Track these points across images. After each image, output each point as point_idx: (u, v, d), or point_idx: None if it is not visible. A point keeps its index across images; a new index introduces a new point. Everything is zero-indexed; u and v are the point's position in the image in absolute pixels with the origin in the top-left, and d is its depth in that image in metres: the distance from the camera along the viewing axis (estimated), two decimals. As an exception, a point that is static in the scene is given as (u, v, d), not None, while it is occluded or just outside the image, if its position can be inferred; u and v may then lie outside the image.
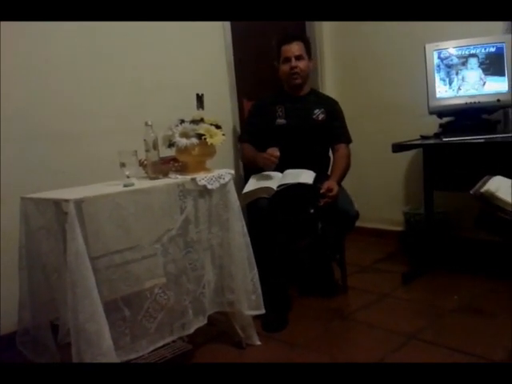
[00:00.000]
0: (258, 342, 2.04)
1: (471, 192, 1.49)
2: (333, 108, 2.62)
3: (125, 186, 1.68)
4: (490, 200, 1.44)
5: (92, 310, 1.47)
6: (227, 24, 2.90)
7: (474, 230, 2.83)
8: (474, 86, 2.57)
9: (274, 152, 2.26)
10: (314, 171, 2.41)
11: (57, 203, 1.62)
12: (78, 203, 1.50)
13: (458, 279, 2.59)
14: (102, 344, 1.49)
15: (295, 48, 2.51)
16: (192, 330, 1.85)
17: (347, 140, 2.60)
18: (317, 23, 3.46)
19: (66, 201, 1.49)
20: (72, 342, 1.48)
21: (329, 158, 2.63)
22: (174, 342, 1.90)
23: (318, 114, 2.56)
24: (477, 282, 2.50)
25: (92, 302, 1.47)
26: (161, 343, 1.77)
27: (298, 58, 2.51)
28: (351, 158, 2.57)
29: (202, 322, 1.89)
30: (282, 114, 2.53)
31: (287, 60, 2.51)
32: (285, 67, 2.53)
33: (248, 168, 2.71)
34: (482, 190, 1.46)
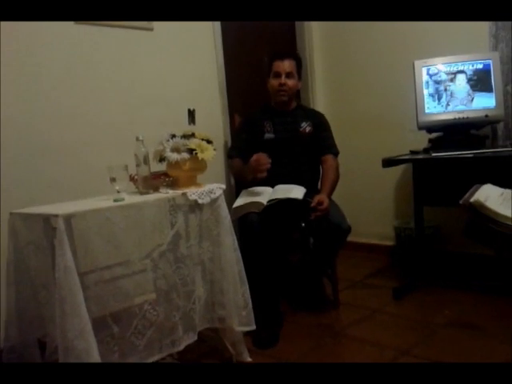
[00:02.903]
0: (249, 359, 2.02)
1: (460, 202, 1.49)
2: (319, 120, 2.65)
3: (115, 200, 1.67)
4: (480, 210, 1.44)
5: (80, 327, 1.45)
6: (219, 38, 2.93)
7: (465, 244, 2.85)
8: (462, 101, 2.61)
9: (262, 159, 2.21)
10: (304, 184, 2.42)
11: (46, 218, 1.60)
12: (67, 218, 1.49)
13: (449, 294, 2.59)
14: (90, 361, 1.46)
15: (287, 65, 2.53)
16: (182, 347, 1.83)
17: (335, 151, 2.62)
18: (307, 37, 3.49)
19: (55, 216, 1.48)
20: (60, 359, 1.45)
21: (318, 170, 2.64)
22: (163, 359, 1.88)
23: (305, 126, 2.59)
24: (467, 297, 2.51)
25: (80, 319, 1.45)
26: (150, 360, 1.74)
27: (288, 75, 2.54)
28: (340, 170, 2.58)
29: (192, 338, 1.87)
30: (271, 129, 2.56)
31: (277, 75, 2.54)
32: (274, 82, 2.56)
33: (239, 182, 2.71)
34: (472, 200, 1.45)
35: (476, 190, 1.53)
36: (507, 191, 1.51)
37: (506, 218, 1.39)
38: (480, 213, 1.44)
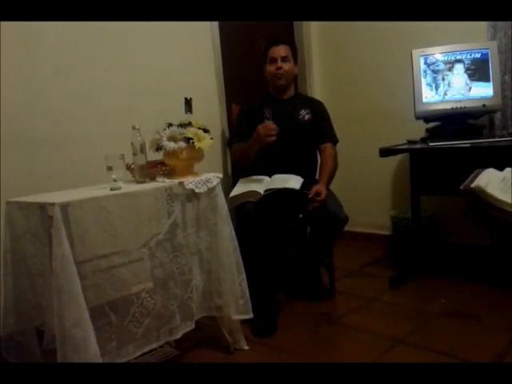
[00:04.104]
0: (246, 347, 2.03)
1: (461, 187, 1.49)
2: (318, 108, 2.65)
3: (111, 189, 1.67)
4: (480, 195, 1.43)
5: (78, 316, 1.45)
6: (216, 28, 2.91)
7: (461, 234, 2.86)
8: (459, 91, 2.60)
9: (270, 125, 2.24)
10: (302, 172, 2.42)
11: (42, 207, 1.60)
12: (64, 207, 1.49)
13: (445, 283, 2.60)
14: (88, 350, 1.47)
15: (282, 50, 2.55)
16: (179, 335, 1.84)
17: (334, 140, 2.61)
18: (305, 28, 3.47)
19: (52, 204, 1.47)
20: (58, 347, 1.46)
21: (316, 158, 2.64)
22: (161, 347, 1.89)
23: (304, 114, 2.59)
24: (463, 286, 2.52)
25: (78, 308, 1.46)
26: (147, 348, 1.75)
27: (284, 59, 2.54)
28: (338, 159, 2.58)
29: (189, 326, 1.88)
30: (270, 116, 2.54)
31: (273, 60, 2.55)
32: (270, 67, 2.56)
33: (237, 171, 2.71)
34: (473, 186, 1.45)
35: (477, 174, 1.52)
36: (508, 176, 1.50)
37: (506, 203, 1.39)
38: (480, 198, 1.43)
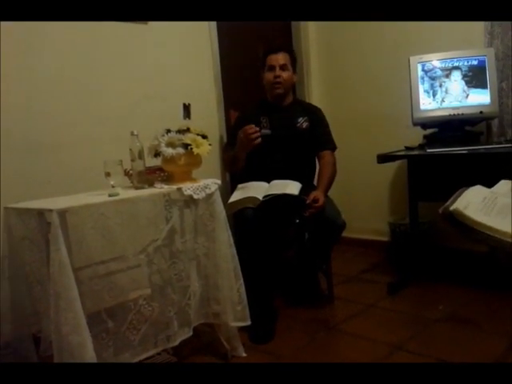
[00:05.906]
0: (244, 354, 2.02)
1: (440, 211, 1.45)
2: (316, 115, 2.64)
3: (109, 195, 1.67)
4: (460, 219, 1.40)
5: (75, 322, 1.45)
6: (214, 34, 2.91)
7: (459, 240, 2.86)
8: (457, 97, 2.61)
9: (248, 128, 2.24)
10: (301, 180, 2.41)
11: (40, 213, 1.60)
12: (62, 213, 1.49)
13: (443, 289, 2.60)
14: (84, 356, 1.46)
15: (281, 57, 2.53)
16: (177, 342, 1.83)
17: (332, 147, 2.60)
18: (303, 34, 3.48)
19: (50, 211, 1.47)
20: (54, 354, 1.45)
21: (315, 166, 2.64)
22: (158, 354, 1.88)
23: (302, 122, 2.58)
24: (462, 292, 2.52)
25: (75, 314, 1.45)
26: (144, 355, 1.74)
27: (283, 67, 2.53)
28: (337, 165, 2.57)
29: (187, 333, 1.87)
30: (267, 125, 2.53)
31: (272, 68, 2.53)
32: (269, 75, 2.55)
33: (235, 178, 2.71)
34: (451, 209, 1.41)
35: (459, 195, 1.49)
36: (491, 194, 1.47)
37: (484, 226, 1.35)
38: (460, 222, 1.40)
